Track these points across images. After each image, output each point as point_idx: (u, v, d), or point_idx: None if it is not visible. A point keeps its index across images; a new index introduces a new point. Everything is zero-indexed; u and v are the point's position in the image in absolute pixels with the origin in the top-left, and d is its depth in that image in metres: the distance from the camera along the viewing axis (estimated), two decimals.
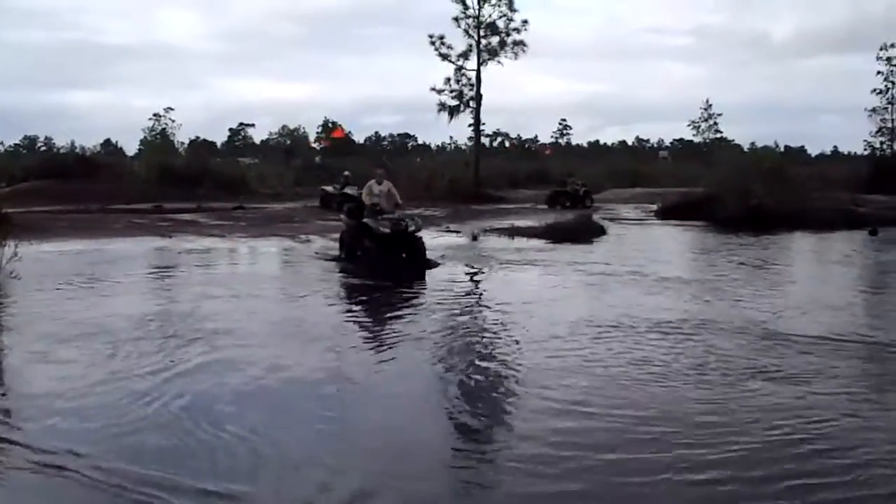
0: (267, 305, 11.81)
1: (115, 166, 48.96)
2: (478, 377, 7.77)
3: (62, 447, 5.65)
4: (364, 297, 13.34)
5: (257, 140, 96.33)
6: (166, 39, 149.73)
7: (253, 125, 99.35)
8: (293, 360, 8.25)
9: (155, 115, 67.80)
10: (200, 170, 44.50)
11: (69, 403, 6.70)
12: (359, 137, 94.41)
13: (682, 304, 11.79)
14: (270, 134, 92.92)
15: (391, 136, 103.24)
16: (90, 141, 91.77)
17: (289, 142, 77.94)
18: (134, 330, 9.50)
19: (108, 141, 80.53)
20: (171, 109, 67.46)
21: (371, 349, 9.08)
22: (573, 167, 53.48)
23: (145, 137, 68.05)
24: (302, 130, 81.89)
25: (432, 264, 15.73)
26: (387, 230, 15.07)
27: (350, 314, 11.74)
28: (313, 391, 7.31)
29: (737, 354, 8.52)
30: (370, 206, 15.50)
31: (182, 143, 69.51)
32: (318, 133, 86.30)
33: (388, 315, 11.36)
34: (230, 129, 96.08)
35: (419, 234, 15.81)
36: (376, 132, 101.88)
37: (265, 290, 13.21)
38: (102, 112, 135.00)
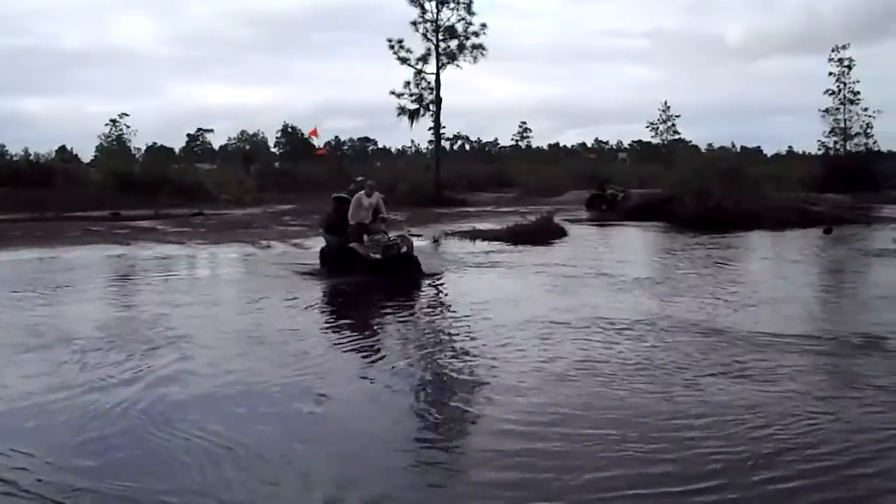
0: (224, 314, 11.70)
1: (71, 173, 48.15)
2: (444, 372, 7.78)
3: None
4: (327, 301, 13.29)
5: (216, 145, 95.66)
6: (122, 44, 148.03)
7: (211, 130, 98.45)
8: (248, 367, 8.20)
9: (111, 120, 67.16)
10: (158, 176, 44.00)
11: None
12: (319, 142, 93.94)
13: (636, 303, 11.92)
14: (229, 139, 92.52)
15: (351, 140, 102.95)
16: (45, 148, 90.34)
17: (248, 147, 77.38)
18: (84, 340, 9.39)
19: (63, 148, 79.12)
20: (128, 115, 66.95)
21: (331, 348, 9.03)
22: (531, 168, 53.68)
23: (101, 144, 67.34)
24: (261, 135, 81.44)
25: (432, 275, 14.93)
26: (378, 255, 14.20)
27: (312, 320, 11.65)
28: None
29: (685, 351, 8.68)
30: (355, 226, 14.46)
31: (139, 150, 69.00)
32: (277, 137, 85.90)
33: (350, 316, 11.33)
34: (188, 135, 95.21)
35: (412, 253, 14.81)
36: (336, 136, 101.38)
37: (223, 297, 13.09)
38: (57, 118, 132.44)
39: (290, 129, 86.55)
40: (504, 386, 7.45)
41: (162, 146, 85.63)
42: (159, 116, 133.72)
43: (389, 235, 14.76)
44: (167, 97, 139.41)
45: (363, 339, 9.89)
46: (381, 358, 8.82)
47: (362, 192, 15.06)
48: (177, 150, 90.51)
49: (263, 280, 15.29)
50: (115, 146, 65.12)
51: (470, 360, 8.49)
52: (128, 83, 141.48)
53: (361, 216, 14.71)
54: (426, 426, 6.59)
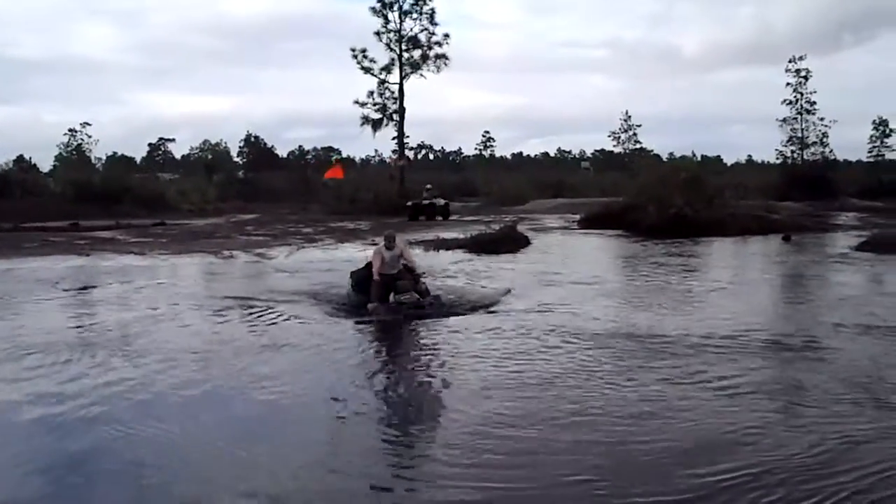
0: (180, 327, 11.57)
1: (29, 183, 47.57)
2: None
3: None
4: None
5: (178, 155, 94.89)
6: (83, 53, 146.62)
7: (173, 140, 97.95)
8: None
9: (70, 130, 66.43)
10: (119, 186, 43.60)
11: None
12: (282, 151, 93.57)
13: (593, 310, 12.02)
14: (191, 149, 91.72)
15: (315, 149, 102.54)
16: (2, 157, 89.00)
17: (210, 156, 76.80)
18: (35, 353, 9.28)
19: (21, 157, 77.97)
20: (88, 125, 66.32)
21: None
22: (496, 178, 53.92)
23: (60, 153, 66.50)
24: (224, 145, 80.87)
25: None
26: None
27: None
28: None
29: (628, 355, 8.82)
30: (378, 282, 12.21)
31: (99, 159, 68.20)
32: (240, 147, 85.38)
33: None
34: (150, 145, 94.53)
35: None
36: (300, 146, 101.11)
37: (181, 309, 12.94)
38: (15, 127, 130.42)
39: (253, 139, 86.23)
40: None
41: (123, 156, 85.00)
42: (120, 126, 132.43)
43: (417, 297, 12.21)
44: (128, 107, 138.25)
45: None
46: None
47: (382, 244, 12.84)
48: (138, 160, 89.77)
49: (223, 288, 15.16)
50: (74, 156, 64.34)
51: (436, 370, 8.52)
52: (88, 92, 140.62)
53: (386, 270, 12.40)
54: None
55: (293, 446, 6.21)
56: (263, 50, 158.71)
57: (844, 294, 13.79)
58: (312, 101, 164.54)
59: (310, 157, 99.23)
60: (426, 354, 9.47)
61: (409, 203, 38.25)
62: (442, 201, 38.41)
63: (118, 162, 77.33)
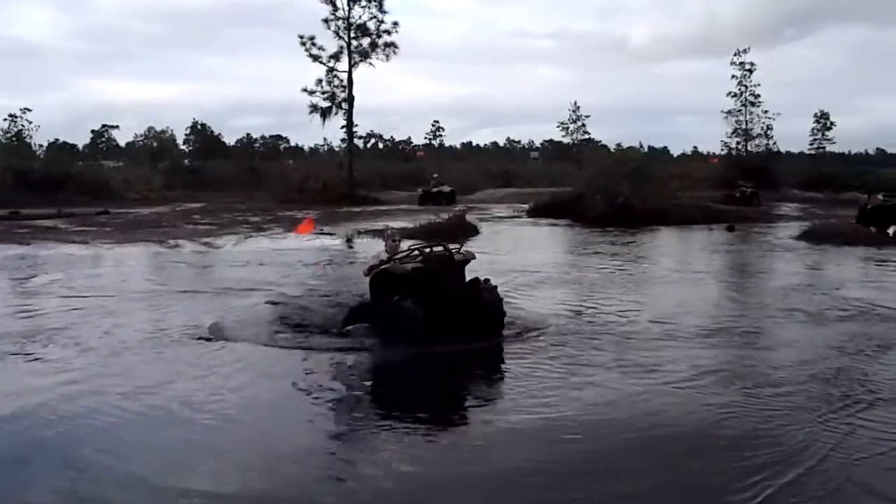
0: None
1: None
2: None
3: None
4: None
5: (122, 142, 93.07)
6: (23, 37, 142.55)
7: (117, 127, 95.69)
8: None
9: (10, 116, 64.75)
10: (61, 174, 42.75)
11: None
12: (229, 139, 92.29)
13: (541, 297, 12.13)
14: (136, 136, 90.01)
15: (263, 137, 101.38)
16: None
17: (155, 144, 75.48)
18: None
19: None
20: (29, 110, 64.68)
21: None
22: (442, 167, 53.92)
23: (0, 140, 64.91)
24: (170, 132, 79.53)
25: None
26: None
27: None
28: None
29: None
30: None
31: (41, 146, 66.66)
32: (186, 135, 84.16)
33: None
34: (93, 131, 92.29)
35: None
36: (248, 134, 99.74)
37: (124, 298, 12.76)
38: None
39: (199, 126, 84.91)
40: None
41: (65, 143, 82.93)
42: (62, 112, 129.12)
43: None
44: (70, 92, 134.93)
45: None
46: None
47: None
48: (81, 147, 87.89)
49: (166, 276, 14.99)
50: (14, 142, 62.84)
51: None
52: (28, 77, 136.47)
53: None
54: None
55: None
56: (209, 36, 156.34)
57: (784, 282, 14.10)
58: (260, 89, 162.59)
59: (257, 145, 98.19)
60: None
61: (420, 190, 41.63)
62: (447, 188, 41.41)
63: (60, 149, 75.48)
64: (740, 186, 39.93)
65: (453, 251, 9.50)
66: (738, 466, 5.35)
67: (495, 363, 8.63)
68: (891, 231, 23.49)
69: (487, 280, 9.56)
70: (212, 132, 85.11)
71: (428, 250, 9.44)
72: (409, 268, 9.19)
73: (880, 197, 25.03)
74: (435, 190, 40.81)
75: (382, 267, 9.35)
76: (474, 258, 9.70)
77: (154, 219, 29.78)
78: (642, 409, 6.61)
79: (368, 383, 8.08)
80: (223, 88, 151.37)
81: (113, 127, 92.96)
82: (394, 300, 8.95)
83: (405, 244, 10.15)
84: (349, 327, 9.45)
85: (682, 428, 6.16)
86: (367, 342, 9.01)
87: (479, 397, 7.49)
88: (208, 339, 9.29)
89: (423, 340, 8.75)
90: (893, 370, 7.84)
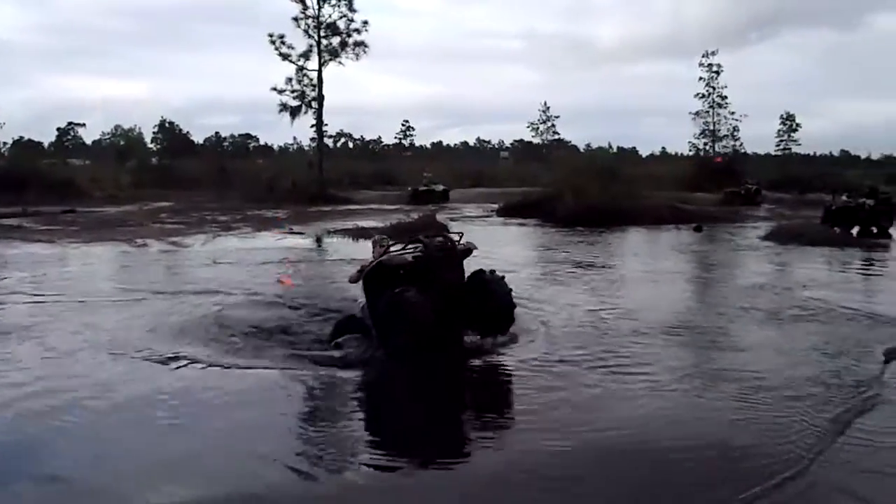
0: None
1: None
2: None
3: None
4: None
5: (88, 140, 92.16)
6: None
7: (83, 125, 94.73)
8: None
9: None
10: (26, 172, 42.10)
11: None
12: (198, 138, 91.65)
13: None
14: (103, 134, 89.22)
15: (232, 136, 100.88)
16: None
17: (123, 142, 74.76)
18: None
19: None
20: None
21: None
22: (413, 167, 53.96)
23: None
24: (137, 130, 78.77)
25: None
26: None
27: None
28: None
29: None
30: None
31: (5, 144, 65.82)
32: (154, 133, 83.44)
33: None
34: (58, 129, 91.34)
35: None
36: (217, 132, 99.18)
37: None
38: None
39: (167, 124, 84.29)
40: None
41: (30, 140, 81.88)
42: (27, 109, 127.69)
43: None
44: (35, 89, 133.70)
45: None
46: None
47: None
48: (46, 145, 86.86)
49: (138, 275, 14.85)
50: None
51: None
52: None
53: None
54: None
55: None
56: (177, 33, 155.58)
57: (751, 282, 14.27)
58: (229, 87, 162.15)
59: (226, 144, 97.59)
60: None
61: (410, 189, 41.69)
62: (441, 187, 41.47)
63: (25, 146, 74.48)
64: (745, 184, 41.58)
65: (455, 241, 8.69)
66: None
67: (488, 370, 8.32)
68: (854, 232, 23.86)
69: (493, 271, 8.73)
70: (180, 130, 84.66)
71: (428, 239, 8.60)
72: (409, 258, 8.29)
73: (844, 198, 25.35)
74: (423, 188, 40.88)
75: (377, 260, 8.48)
76: (476, 249, 8.90)
77: (121, 218, 29.46)
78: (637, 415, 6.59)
79: (347, 406, 7.19)
80: (191, 86, 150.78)
81: (79, 125, 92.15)
82: (394, 292, 7.96)
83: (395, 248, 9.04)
84: (339, 340, 8.58)
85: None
86: (354, 354, 8.21)
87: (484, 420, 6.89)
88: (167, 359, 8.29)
89: (431, 336, 7.91)
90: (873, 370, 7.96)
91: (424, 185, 41.34)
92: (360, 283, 8.56)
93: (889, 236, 23.48)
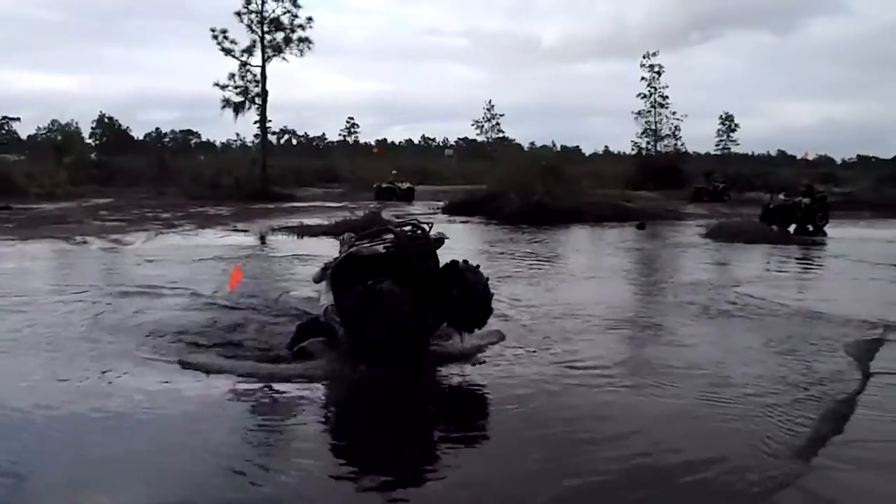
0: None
1: None
2: None
3: None
4: None
5: (23, 135, 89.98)
6: None
7: (18, 119, 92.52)
8: None
9: None
10: None
11: None
12: (138, 133, 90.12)
13: None
14: (38, 129, 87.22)
15: (173, 132, 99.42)
16: None
17: (60, 137, 73.06)
18: None
19: None
20: None
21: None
22: (356, 165, 53.77)
23: None
24: (74, 125, 77.08)
25: None
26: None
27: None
28: None
29: None
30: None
31: None
32: (92, 128, 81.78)
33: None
34: None
35: None
36: (157, 128, 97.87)
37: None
38: None
39: (106, 120, 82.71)
40: None
41: None
42: None
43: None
44: None
45: None
46: None
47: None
48: None
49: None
50: None
51: None
52: None
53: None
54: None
55: None
56: (114, 27, 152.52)
57: (692, 279, 14.55)
58: (170, 82, 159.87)
59: (167, 140, 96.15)
60: None
61: (376, 185, 41.82)
62: (406, 185, 41.65)
63: None
64: (713, 181, 43.11)
65: (426, 230, 8.22)
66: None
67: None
68: (792, 229, 24.48)
69: (466, 262, 8.30)
70: (119, 126, 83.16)
71: (399, 229, 8.10)
72: (381, 249, 7.76)
73: (782, 196, 26.02)
74: (386, 185, 41.22)
75: (347, 251, 7.88)
76: (448, 238, 8.52)
77: (60, 214, 28.82)
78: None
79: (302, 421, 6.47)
80: (131, 81, 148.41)
81: (13, 119, 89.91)
82: (367, 284, 7.39)
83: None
84: (303, 343, 8.04)
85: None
86: (319, 367, 7.63)
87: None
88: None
89: (406, 331, 7.40)
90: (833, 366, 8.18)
91: (389, 182, 41.52)
92: (325, 282, 8.16)
93: (825, 234, 24.18)
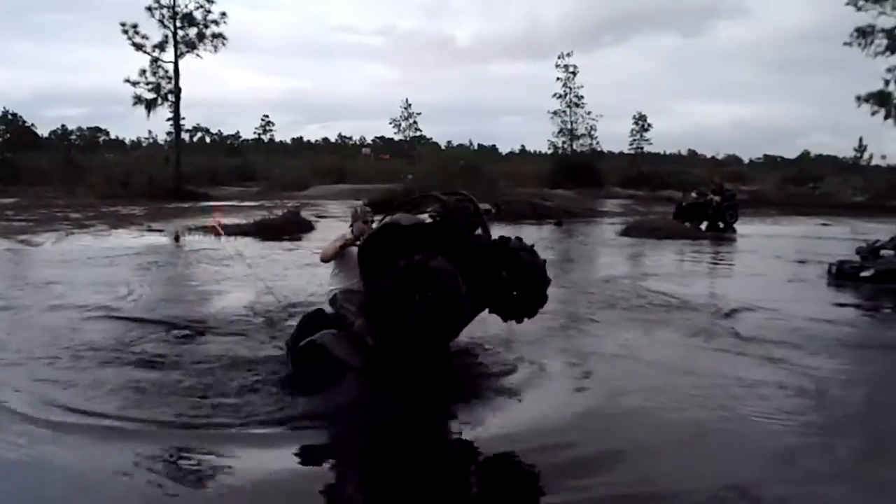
0: None
1: None
2: None
3: None
4: None
5: None
6: None
7: None
8: None
9: None
10: None
11: None
12: (43, 130, 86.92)
13: None
14: None
15: (80, 129, 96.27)
16: None
17: None
18: None
19: None
20: None
21: None
22: (272, 163, 53.22)
23: None
24: None
25: None
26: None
27: None
28: None
29: None
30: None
31: None
32: None
33: None
34: None
35: None
36: (63, 125, 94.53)
37: None
38: None
39: (9, 116, 79.60)
40: None
41: None
42: None
43: None
44: None
45: None
46: None
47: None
48: None
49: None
50: None
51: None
52: None
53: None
54: None
55: None
56: (17, 20, 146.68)
57: (606, 274, 14.85)
58: (76, 78, 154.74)
59: (74, 137, 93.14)
60: None
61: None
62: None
63: None
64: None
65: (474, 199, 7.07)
66: None
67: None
68: (703, 226, 25.18)
69: (520, 238, 7.18)
70: (23, 122, 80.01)
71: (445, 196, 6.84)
72: (427, 218, 6.54)
73: (694, 195, 26.76)
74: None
75: (386, 220, 6.53)
76: (494, 211, 7.67)
77: None
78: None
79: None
80: (35, 76, 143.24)
81: None
82: (413, 260, 6.03)
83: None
84: (312, 337, 6.44)
85: None
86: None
87: None
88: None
89: (463, 317, 6.34)
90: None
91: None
92: (333, 263, 7.00)
93: (734, 230, 24.97)
